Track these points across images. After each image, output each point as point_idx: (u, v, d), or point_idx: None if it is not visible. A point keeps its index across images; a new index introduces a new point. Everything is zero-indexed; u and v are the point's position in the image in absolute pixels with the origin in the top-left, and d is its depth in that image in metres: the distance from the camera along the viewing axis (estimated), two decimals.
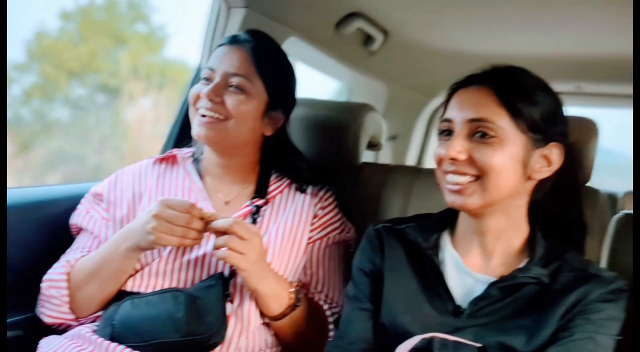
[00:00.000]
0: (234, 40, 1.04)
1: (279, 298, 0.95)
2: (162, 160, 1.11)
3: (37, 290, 1.02)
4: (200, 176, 1.08)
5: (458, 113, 0.82)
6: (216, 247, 0.90)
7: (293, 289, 0.96)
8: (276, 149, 1.10)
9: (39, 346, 0.95)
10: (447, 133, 0.83)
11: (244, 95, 1.00)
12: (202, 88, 1.01)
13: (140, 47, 3.91)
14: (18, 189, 1.16)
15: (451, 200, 0.82)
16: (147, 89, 3.92)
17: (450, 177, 0.81)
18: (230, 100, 0.99)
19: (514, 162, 0.79)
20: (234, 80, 1.00)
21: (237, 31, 1.18)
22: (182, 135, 1.30)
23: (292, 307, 0.96)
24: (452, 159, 0.80)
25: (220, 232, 0.90)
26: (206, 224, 0.91)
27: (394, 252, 0.89)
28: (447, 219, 0.90)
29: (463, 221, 0.88)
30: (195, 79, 1.30)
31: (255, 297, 0.96)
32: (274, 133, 1.06)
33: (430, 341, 0.76)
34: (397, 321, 0.84)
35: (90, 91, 4.08)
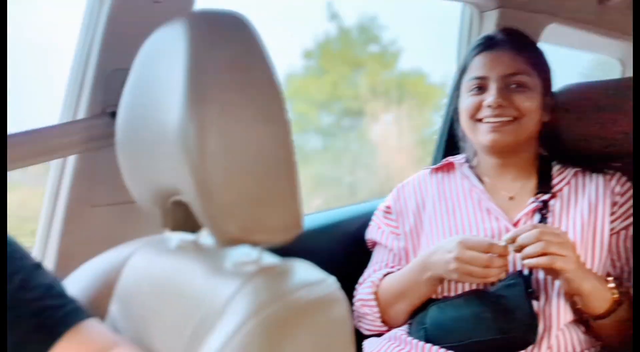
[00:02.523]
0: (492, 44, 1.09)
1: (602, 295, 0.94)
2: (438, 169, 1.20)
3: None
4: (478, 178, 1.14)
5: None
6: (528, 257, 0.93)
7: (613, 284, 0.94)
8: (555, 135, 1.10)
9: (363, 347, 1.13)
10: None
11: (528, 91, 1.05)
12: (476, 99, 1.08)
13: (375, 66, 4.21)
14: (320, 213, 1.40)
15: None
16: (387, 105, 4.18)
17: None
18: (518, 99, 1.05)
19: None
20: (514, 79, 1.05)
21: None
22: (449, 146, 1.38)
23: (618, 302, 0.93)
24: None
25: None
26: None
27: None
28: None
29: None
30: (455, 90, 1.38)
31: (576, 297, 0.97)
32: (550, 118, 1.10)
33: None
34: None
35: (337, 117, 4.54)
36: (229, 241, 0.59)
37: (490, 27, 1.23)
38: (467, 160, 1.18)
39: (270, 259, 0.65)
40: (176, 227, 0.71)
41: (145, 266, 0.71)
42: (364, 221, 1.30)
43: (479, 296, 0.99)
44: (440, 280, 1.03)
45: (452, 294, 1.06)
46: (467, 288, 1.05)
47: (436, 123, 1.59)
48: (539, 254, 0.90)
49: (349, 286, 1.21)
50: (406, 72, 4.41)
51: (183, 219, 0.70)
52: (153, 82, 0.63)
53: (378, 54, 4.41)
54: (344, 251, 1.33)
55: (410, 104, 4.19)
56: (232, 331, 0.50)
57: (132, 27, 0.90)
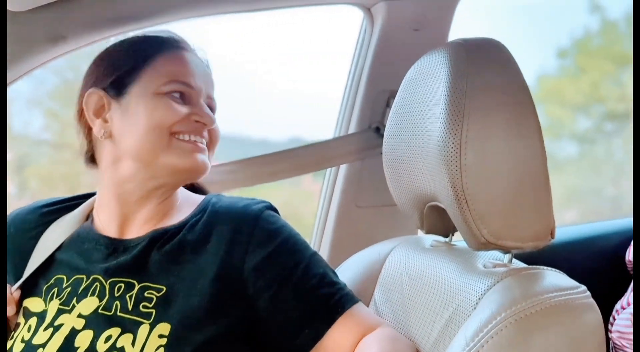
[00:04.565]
0: None
1: None
2: None
3: None
4: None
5: None
6: None
7: None
8: None
9: None
10: None
11: None
12: None
13: None
14: (575, 226, 1.37)
15: None
16: None
17: None
18: None
19: None
20: None
21: None
22: None
23: None
24: None
25: None
26: None
27: None
28: None
29: None
30: None
31: None
32: None
33: None
34: None
35: (596, 122, 4.16)
36: (480, 244, 0.68)
37: None
38: None
39: (520, 264, 0.72)
40: (430, 230, 0.83)
41: (404, 260, 0.84)
42: (624, 239, 1.23)
43: None
44: None
45: None
46: None
47: None
48: None
49: (601, 308, 1.16)
50: None
51: (437, 222, 0.81)
52: (417, 103, 0.75)
53: None
54: (597, 269, 1.27)
55: None
56: (486, 320, 0.58)
57: (394, 54, 1.05)
